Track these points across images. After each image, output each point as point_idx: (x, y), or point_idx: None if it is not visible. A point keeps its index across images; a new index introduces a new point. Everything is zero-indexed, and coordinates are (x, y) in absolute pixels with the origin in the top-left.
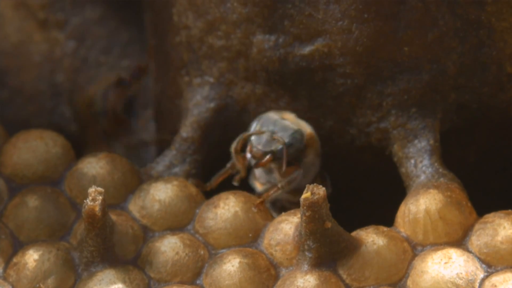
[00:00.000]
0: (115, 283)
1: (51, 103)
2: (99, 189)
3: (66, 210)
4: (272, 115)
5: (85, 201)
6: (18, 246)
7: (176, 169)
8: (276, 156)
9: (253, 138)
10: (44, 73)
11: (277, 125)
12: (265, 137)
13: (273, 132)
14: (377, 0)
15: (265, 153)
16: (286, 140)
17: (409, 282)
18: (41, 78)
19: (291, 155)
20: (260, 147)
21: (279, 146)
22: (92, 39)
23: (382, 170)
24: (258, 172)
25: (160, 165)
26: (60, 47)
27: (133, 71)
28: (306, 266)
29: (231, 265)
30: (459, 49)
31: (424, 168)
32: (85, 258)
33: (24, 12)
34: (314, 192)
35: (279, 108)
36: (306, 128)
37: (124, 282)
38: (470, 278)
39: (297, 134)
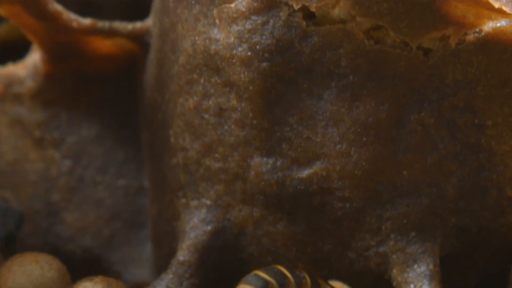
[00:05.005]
0: None
1: (46, 222)
2: None
3: None
4: None
5: None
6: None
7: None
8: None
9: None
10: (39, 192)
11: None
12: None
13: None
14: (376, 123)
15: None
16: None
17: None
18: (36, 197)
19: None
20: None
21: None
22: (88, 158)
23: None
24: None
25: None
26: (56, 165)
27: None
28: None
29: None
30: (459, 173)
31: None
32: None
33: (20, 130)
34: None
35: (277, 232)
36: None
37: None
38: None
39: None
